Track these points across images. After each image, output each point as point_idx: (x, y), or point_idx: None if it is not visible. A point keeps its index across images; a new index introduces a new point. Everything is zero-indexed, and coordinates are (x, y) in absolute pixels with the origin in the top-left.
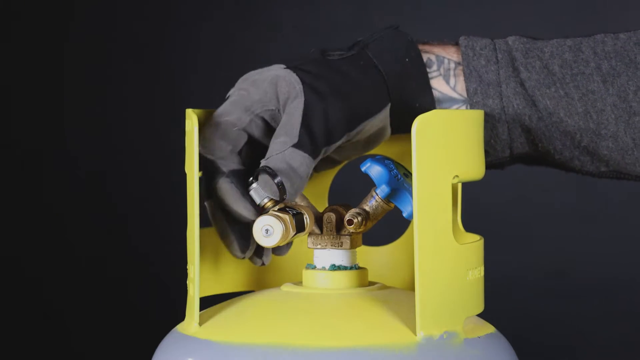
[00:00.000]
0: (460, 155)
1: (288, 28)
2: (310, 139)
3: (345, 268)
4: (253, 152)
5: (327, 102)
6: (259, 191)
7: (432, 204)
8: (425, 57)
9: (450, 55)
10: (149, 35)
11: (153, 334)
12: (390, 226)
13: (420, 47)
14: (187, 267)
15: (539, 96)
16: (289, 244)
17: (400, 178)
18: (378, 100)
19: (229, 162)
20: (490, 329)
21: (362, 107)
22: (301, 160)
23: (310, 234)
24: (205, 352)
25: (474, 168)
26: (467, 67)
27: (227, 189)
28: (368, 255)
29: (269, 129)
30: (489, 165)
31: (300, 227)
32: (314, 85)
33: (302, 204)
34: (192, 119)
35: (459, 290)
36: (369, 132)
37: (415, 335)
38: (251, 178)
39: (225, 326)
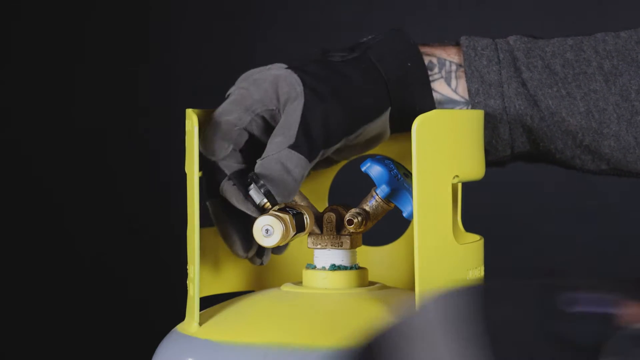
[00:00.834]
0: (460, 155)
1: (288, 28)
2: (307, 141)
3: (345, 268)
4: (254, 150)
5: (326, 104)
6: (258, 192)
7: (432, 204)
8: (426, 59)
9: (451, 57)
10: (149, 35)
11: (153, 334)
12: (390, 226)
13: (422, 49)
14: (187, 267)
15: (541, 96)
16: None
17: (400, 178)
18: (378, 104)
19: (231, 163)
20: None
21: (362, 111)
22: (297, 162)
23: (311, 234)
24: (205, 352)
25: (474, 168)
26: (468, 67)
27: (230, 191)
28: (368, 255)
29: (269, 128)
30: (489, 164)
31: (300, 227)
32: (315, 87)
33: (302, 204)
34: (192, 119)
35: None
36: (368, 136)
37: None
38: (248, 179)
39: (225, 326)
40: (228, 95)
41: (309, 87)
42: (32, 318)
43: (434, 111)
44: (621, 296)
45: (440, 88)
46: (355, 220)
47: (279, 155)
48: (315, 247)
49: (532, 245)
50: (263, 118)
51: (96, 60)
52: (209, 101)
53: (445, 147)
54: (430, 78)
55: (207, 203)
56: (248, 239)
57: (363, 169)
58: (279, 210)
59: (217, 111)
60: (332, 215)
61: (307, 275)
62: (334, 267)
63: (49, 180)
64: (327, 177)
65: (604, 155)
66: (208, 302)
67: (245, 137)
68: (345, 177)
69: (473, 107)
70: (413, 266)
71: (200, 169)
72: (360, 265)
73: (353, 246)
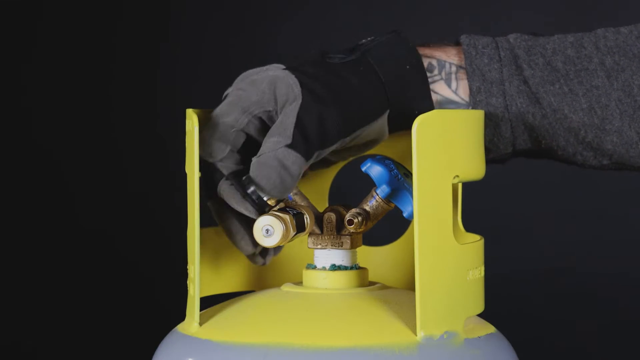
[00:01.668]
0: (461, 155)
1: (288, 28)
2: (304, 141)
3: (345, 268)
4: (252, 150)
5: (323, 106)
6: (255, 192)
7: (432, 204)
8: (426, 61)
9: (451, 58)
10: (149, 35)
11: (153, 334)
12: (390, 226)
13: (421, 50)
14: (187, 267)
15: (542, 93)
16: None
17: (401, 178)
18: (376, 107)
19: (229, 163)
20: (490, 329)
21: (359, 114)
22: (294, 160)
23: (311, 234)
24: (206, 352)
25: (474, 168)
26: (469, 65)
27: (228, 192)
28: (368, 255)
29: (266, 129)
30: (490, 161)
31: (300, 227)
32: (312, 88)
33: (302, 204)
34: (192, 119)
35: (459, 290)
36: (366, 138)
37: (416, 335)
38: (244, 177)
39: (226, 326)
40: (225, 96)
41: (307, 88)
42: (32, 318)
43: (434, 111)
44: None
45: (440, 89)
46: (356, 220)
47: (276, 153)
48: (315, 247)
49: (532, 245)
50: (260, 119)
51: (96, 60)
52: (209, 101)
53: (445, 147)
54: (431, 80)
55: (209, 204)
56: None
57: (363, 169)
58: (279, 210)
59: (214, 112)
60: (332, 215)
61: (307, 275)
62: (334, 267)
63: (46, 180)
64: (327, 177)
65: (606, 151)
66: (208, 302)
67: (243, 138)
68: (345, 177)
69: (474, 106)
70: (413, 266)
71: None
72: (360, 265)
73: (353, 246)
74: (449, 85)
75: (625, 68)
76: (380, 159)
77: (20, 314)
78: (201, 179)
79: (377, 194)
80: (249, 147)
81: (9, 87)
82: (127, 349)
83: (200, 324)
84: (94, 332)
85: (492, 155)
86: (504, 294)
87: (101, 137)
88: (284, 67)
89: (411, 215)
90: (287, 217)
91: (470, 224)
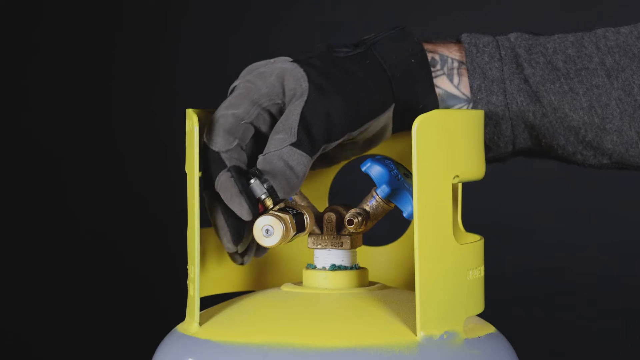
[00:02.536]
0: (461, 155)
1: (289, 28)
2: (309, 138)
3: (345, 268)
4: (258, 145)
5: (330, 101)
6: (260, 186)
7: (432, 204)
8: (429, 56)
9: (453, 54)
10: (149, 35)
11: (153, 334)
12: (390, 226)
13: (425, 46)
14: (187, 267)
15: (543, 92)
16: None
17: (401, 178)
18: (382, 101)
19: (233, 156)
20: (490, 329)
21: (366, 107)
22: (298, 159)
23: (311, 234)
24: (205, 352)
25: (474, 168)
26: (470, 63)
27: (227, 184)
28: (368, 255)
29: (275, 123)
30: (490, 160)
31: (300, 227)
32: (319, 82)
33: (302, 204)
34: (192, 119)
35: (459, 290)
36: (371, 133)
37: (416, 335)
38: (250, 173)
39: (225, 326)
40: (232, 89)
41: (314, 82)
42: (32, 318)
43: (434, 111)
44: None
45: (442, 84)
46: (356, 220)
47: (281, 152)
48: (315, 247)
49: (532, 245)
50: (269, 112)
51: (96, 59)
52: (209, 101)
53: (445, 147)
54: (433, 74)
55: (204, 193)
56: (239, 233)
57: (363, 169)
58: (279, 210)
59: (223, 104)
60: (332, 215)
61: (307, 275)
62: (334, 267)
63: (46, 180)
64: (327, 177)
65: (606, 151)
66: (208, 302)
67: (252, 131)
68: (345, 177)
69: (475, 104)
70: (413, 266)
71: (203, 160)
72: (360, 265)
73: (353, 246)
74: (451, 80)
75: (625, 67)
76: (380, 159)
77: (20, 314)
78: (202, 168)
79: (377, 194)
80: (256, 143)
81: (8, 88)
82: (127, 349)
83: (200, 324)
84: (94, 332)
85: (492, 153)
86: (504, 294)
87: (101, 138)
88: (292, 59)
89: (411, 215)
90: (287, 217)
91: (470, 224)
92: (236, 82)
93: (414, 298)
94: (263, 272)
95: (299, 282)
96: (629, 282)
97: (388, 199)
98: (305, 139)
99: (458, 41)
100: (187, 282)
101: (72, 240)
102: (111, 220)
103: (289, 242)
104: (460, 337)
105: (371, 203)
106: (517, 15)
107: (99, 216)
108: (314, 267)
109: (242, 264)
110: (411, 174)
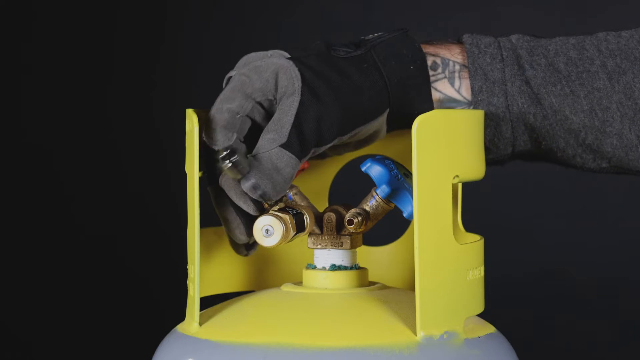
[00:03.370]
0: (460, 155)
1: (289, 28)
2: (299, 140)
3: (345, 268)
4: (255, 137)
5: (322, 104)
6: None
7: (432, 204)
8: (430, 59)
9: (454, 56)
10: (149, 35)
11: (153, 334)
12: (390, 226)
13: (426, 48)
14: (187, 267)
15: (544, 94)
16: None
17: (401, 178)
18: (377, 106)
19: (233, 153)
20: (490, 329)
21: (359, 112)
22: (287, 162)
23: (311, 234)
24: (205, 352)
25: (474, 168)
26: (472, 64)
27: (230, 185)
28: (368, 255)
29: (269, 116)
30: (489, 162)
31: (300, 227)
32: (313, 84)
33: (302, 204)
34: (192, 119)
35: (459, 290)
36: (364, 135)
37: (416, 335)
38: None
39: (225, 326)
40: (228, 79)
41: (307, 84)
42: (32, 318)
43: (434, 111)
44: None
45: (443, 88)
46: (356, 220)
47: (270, 153)
48: (315, 247)
49: (532, 246)
50: (263, 106)
51: (97, 59)
52: (209, 101)
53: (445, 147)
54: (434, 78)
55: (209, 189)
56: (250, 224)
57: (363, 169)
58: (279, 210)
59: (218, 98)
60: (332, 215)
61: (307, 275)
62: (334, 267)
63: (45, 181)
64: (327, 177)
65: (605, 154)
66: (208, 302)
67: (249, 124)
68: (345, 177)
69: (476, 105)
70: (413, 266)
71: (201, 162)
72: (360, 265)
73: (353, 246)
74: (452, 84)
75: (626, 71)
76: (380, 159)
77: (20, 314)
78: (204, 165)
79: (377, 194)
80: (253, 135)
81: (8, 89)
82: (127, 349)
83: (200, 324)
84: (94, 332)
85: (492, 155)
86: (504, 294)
87: (101, 138)
88: (288, 55)
89: (411, 215)
90: (287, 217)
91: (470, 224)
92: (232, 73)
93: (414, 298)
94: (263, 272)
95: (299, 282)
96: (629, 283)
97: (388, 199)
98: (296, 141)
99: (459, 42)
100: (187, 282)
101: (72, 240)
102: (111, 220)
103: (289, 242)
104: (460, 337)
105: (371, 203)
106: (516, 13)
107: (98, 216)
108: (314, 267)
109: (246, 255)
110: (411, 174)
